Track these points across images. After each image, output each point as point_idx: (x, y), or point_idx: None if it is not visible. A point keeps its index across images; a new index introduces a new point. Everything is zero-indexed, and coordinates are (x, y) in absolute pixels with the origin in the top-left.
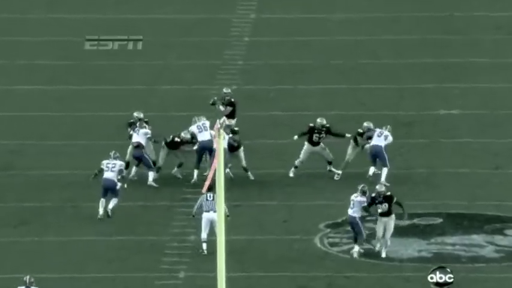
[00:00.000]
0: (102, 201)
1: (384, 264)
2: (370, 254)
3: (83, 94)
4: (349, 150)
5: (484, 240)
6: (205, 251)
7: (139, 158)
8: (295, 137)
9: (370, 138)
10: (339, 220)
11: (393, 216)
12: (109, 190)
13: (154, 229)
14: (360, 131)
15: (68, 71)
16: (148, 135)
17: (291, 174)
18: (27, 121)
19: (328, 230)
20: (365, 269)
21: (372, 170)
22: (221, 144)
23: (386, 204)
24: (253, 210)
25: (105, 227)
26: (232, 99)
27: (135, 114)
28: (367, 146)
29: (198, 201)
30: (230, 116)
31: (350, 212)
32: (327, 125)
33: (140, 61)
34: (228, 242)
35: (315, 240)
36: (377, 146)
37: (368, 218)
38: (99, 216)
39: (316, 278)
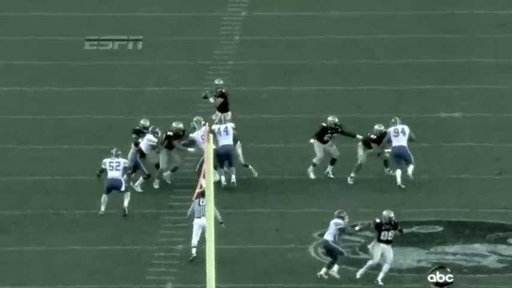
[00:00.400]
0: (105, 197)
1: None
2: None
3: (65, 96)
4: (360, 152)
5: (487, 249)
6: (195, 254)
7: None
8: (311, 140)
9: (390, 141)
10: None
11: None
12: (114, 189)
13: (141, 238)
14: (373, 136)
15: (49, 72)
16: (153, 143)
17: (312, 176)
18: (6, 124)
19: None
20: (361, 280)
21: (398, 173)
22: (211, 149)
23: (393, 232)
24: (245, 217)
25: (89, 236)
26: (223, 91)
27: (142, 122)
28: (387, 150)
29: (191, 206)
30: (223, 109)
31: (325, 235)
32: (339, 123)
33: (125, 61)
34: (217, 251)
35: (309, 249)
36: (401, 146)
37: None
38: (100, 213)
39: None
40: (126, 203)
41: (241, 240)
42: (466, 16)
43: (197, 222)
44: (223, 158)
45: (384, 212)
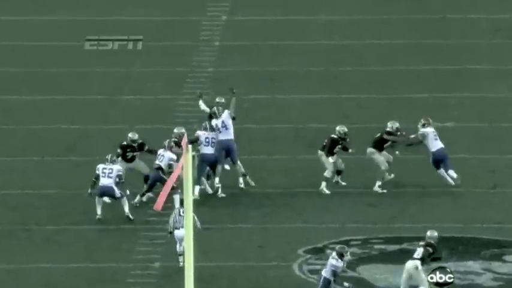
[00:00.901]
0: (99, 200)
1: None
2: (356, 282)
3: (35, 105)
4: (378, 157)
5: (481, 267)
6: (182, 263)
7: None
8: (323, 156)
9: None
10: (320, 245)
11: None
12: (106, 196)
13: (116, 255)
14: (390, 131)
15: (17, 80)
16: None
17: (327, 191)
18: None
19: (308, 255)
20: None
21: (445, 173)
22: (189, 160)
23: (422, 249)
24: (225, 233)
25: (61, 253)
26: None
27: (130, 135)
28: (433, 150)
29: (171, 217)
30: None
31: (323, 271)
32: (347, 132)
33: (100, 68)
34: (196, 269)
35: (294, 267)
36: (442, 149)
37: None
38: (97, 217)
39: None
40: (126, 209)
41: (221, 257)
42: (460, 21)
43: (178, 234)
44: (224, 154)
45: (428, 232)
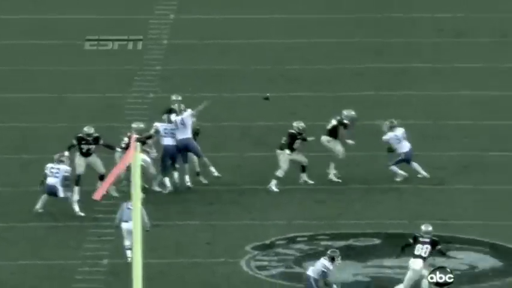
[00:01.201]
0: (44, 197)
1: None
2: (303, 279)
3: None
4: (335, 145)
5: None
6: (130, 256)
7: None
8: (287, 151)
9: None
10: (267, 241)
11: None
12: (52, 195)
13: (64, 252)
14: (346, 121)
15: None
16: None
17: (275, 189)
18: None
19: (256, 252)
20: None
21: (417, 166)
22: (138, 157)
23: (429, 247)
24: (173, 230)
25: (9, 250)
26: None
27: (86, 129)
28: (401, 151)
29: (119, 211)
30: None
31: (309, 269)
32: (305, 128)
33: (46, 66)
34: (145, 266)
35: (241, 263)
36: (411, 149)
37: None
38: (35, 209)
39: None
40: (76, 209)
41: (169, 254)
42: (404, 20)
43: (125, 227)
44: (181, 153)
45: (423, 226)
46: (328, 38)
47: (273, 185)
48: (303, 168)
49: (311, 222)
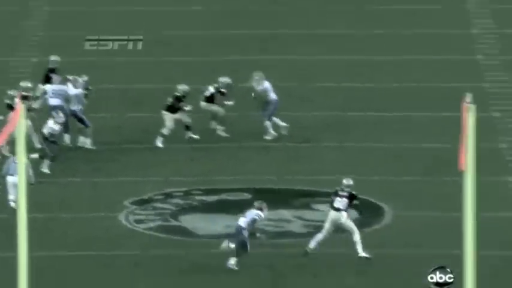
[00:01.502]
0: None
1: (191, 241)
2: (179, 231)
3: None
4: (216, 108)
5: (292, 215)
6: (14, 205)
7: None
8: (166, 115)
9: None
10: (145, 197)
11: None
12: None
13: None
14: (222, 90)
15: None
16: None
17: (161, 145)
18: None
19: (134, 206)
20: (171, 245)
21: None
22: (23, 113)
23: (346, 200)
24: (56, 187)
25: None
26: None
27: (22, 84)
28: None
29: (5, 165)
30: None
31: (240, 220)
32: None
33: None
34: (29, 220)
35: (120, 217)
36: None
37: None
38: None
39: (122, 256)
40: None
41: (53, 209)
42: None
43: (10, 180)
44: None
45: (344, 180)
46: (198, 5)
47: (159, 142)
48: (187, 127)
49: (186, 178)
